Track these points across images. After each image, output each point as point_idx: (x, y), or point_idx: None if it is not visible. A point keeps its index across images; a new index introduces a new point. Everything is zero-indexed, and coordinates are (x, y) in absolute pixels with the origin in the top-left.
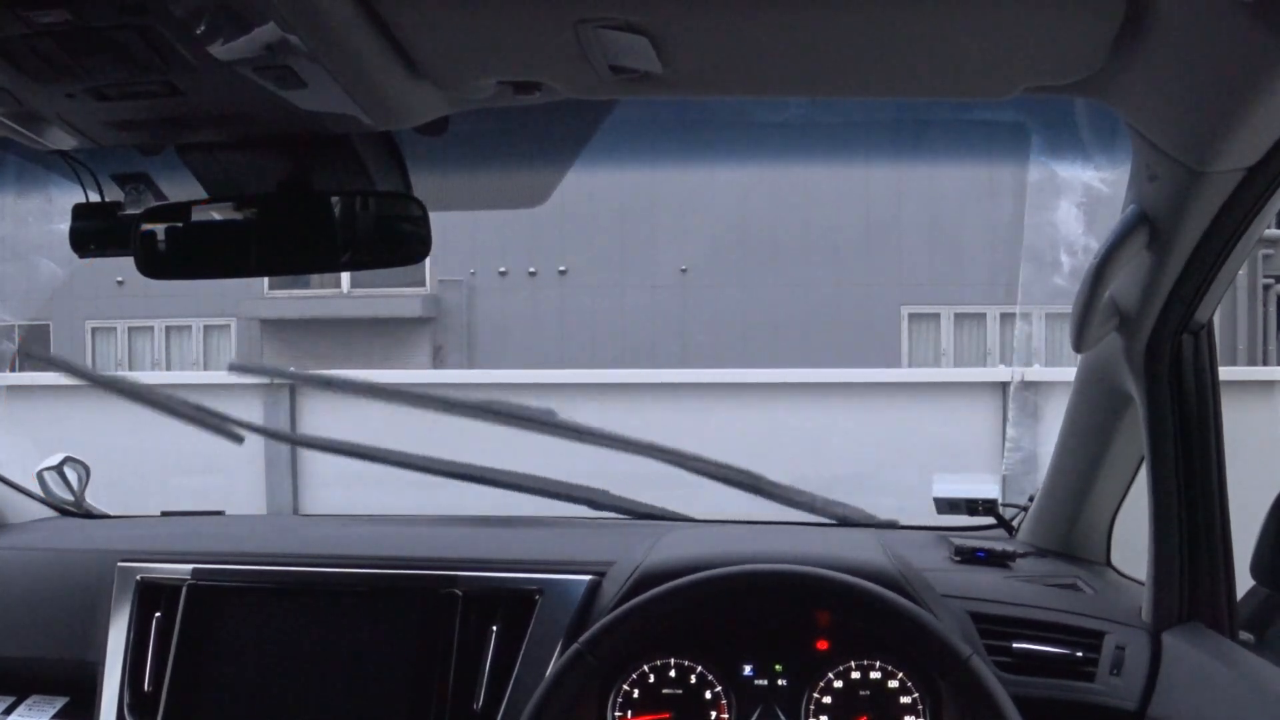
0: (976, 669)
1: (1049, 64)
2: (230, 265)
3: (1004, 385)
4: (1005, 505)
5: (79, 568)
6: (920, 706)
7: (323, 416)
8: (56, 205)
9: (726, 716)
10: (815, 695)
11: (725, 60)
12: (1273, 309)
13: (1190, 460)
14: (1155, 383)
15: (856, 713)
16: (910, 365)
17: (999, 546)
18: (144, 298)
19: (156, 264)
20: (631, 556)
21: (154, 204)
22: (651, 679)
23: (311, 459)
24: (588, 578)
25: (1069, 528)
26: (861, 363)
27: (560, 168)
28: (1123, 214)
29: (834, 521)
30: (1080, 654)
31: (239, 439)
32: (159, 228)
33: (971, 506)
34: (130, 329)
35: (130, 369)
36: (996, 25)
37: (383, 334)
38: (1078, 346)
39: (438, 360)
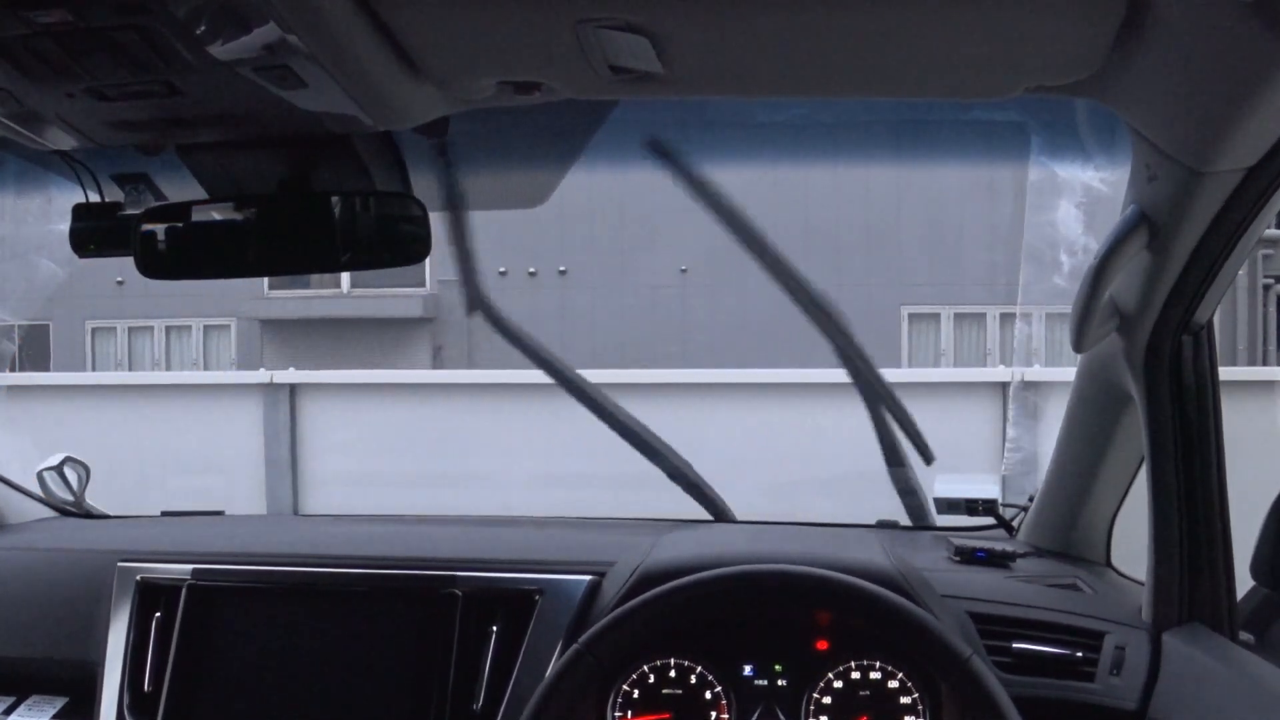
0: (976, 669)
1: (1049, 64)
2: (230, 265)
3: (1004, 385)
4: (1005, 505)
5: (79, 568)
6: (920, 706)
7: (323, 417)
8: (56, 205)
9: (726, 717)
10: (815, 695)
11: (725, 60)
12: (1273, 309)
13: (1190, 460)
14: (1155, 383)
15: (856, 713)
16: (910, 365)
17: (999, 546)
18: (144, 298)
19: (156, 264)
20: (631, 556)
21: (154, 204)
22: (651, 679)
23: (312, 459)
24: (588, 578)
25: (1069, 528)
26: None
27: (560, 168)
28: (1123, 214)
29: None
30: (1080, 654)
31: None
32: (159, 228)
33: (971, 506)
34: (130, 329)
35: (130, 369)
36: (996, 25)
37: (383, 334)
38: (1077, 346)
39: (438, 360)
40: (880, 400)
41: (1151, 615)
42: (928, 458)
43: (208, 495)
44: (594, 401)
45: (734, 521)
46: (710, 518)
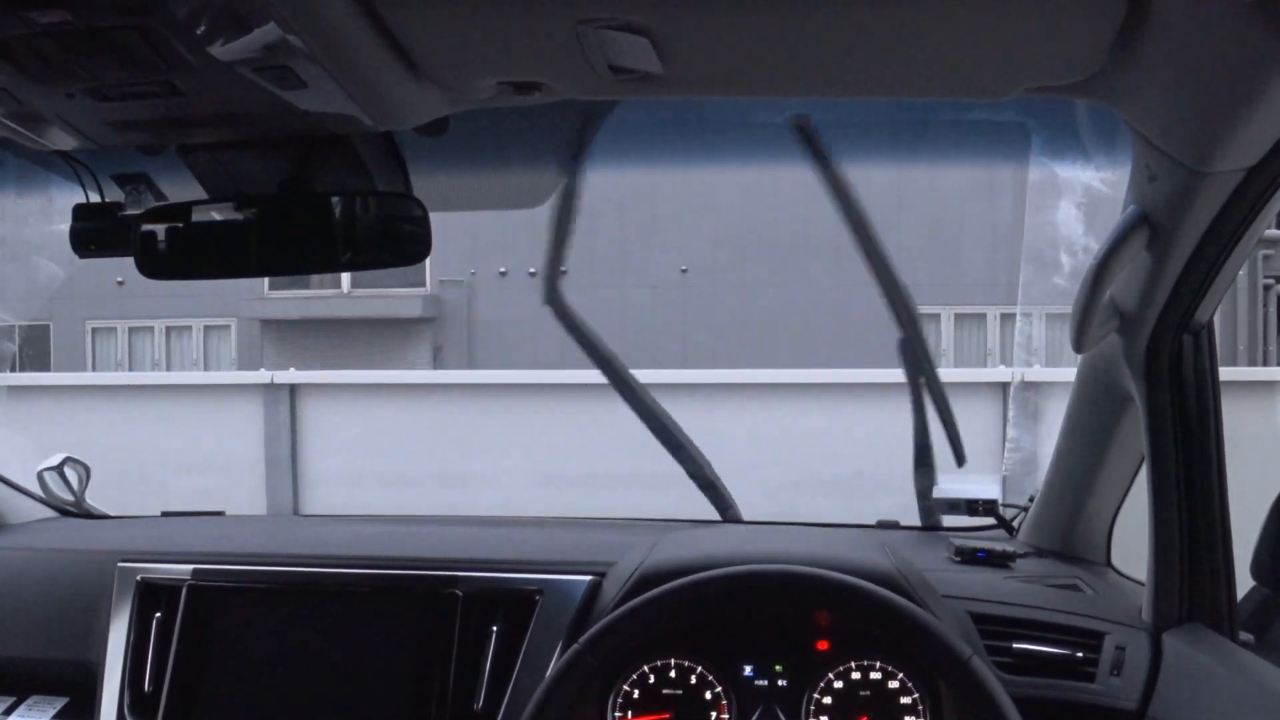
0: (977, 669)
1: (1049, 64)
2: (231, 266)
3: (1004, 385)
4: (1005, 505)
5: (79, 568)
6: (920, 707)
7: (323, 416)
8: (56, 205)
9: (727, 717)
10: (815, 695)
11: (725, 60)
12: (1273, 309)
13: (1190, 460)
14: (1155, 383)
15: (857, 713)
16: None
17: (999, 547)
18: (144, 298)
19: (156, 264)
20: (632, 556)
21: (154, 204)
22: (652, 679)
23: (311, 459)
24: (588, 578)
25: (1069, 528)
26: (861, 363)
27: (560, 168)
28: (1123, 214)
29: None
30: (1080, 654)
31: None
32: (159, 228)
33: (972, 507)
34: (130, 329)
35: (130, 369)
36: (996, 25)
37: (383, 334)
38: (1078, 347)
39: (438, 360)
40: (932, 398)
41: (1152, 615)
42: (961, 459)
43: (208, 495)
44: (641, 401)
45: (735, 521)
46: (711, 517)
